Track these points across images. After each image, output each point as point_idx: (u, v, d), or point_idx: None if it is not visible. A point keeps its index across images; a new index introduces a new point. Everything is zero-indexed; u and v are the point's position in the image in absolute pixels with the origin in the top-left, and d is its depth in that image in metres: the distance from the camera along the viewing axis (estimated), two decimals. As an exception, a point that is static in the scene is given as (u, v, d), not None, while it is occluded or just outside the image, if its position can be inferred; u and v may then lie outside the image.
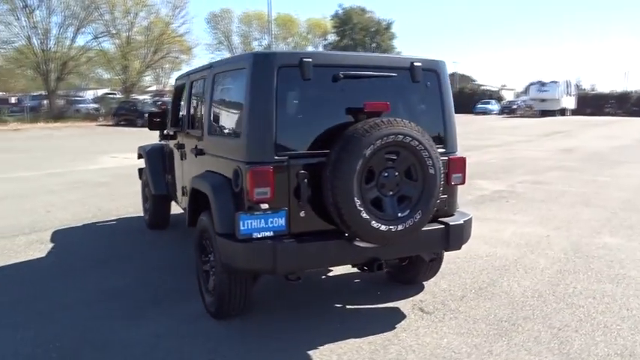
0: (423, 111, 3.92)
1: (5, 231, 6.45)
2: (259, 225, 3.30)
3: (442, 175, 3.54)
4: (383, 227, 3.34)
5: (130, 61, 35.74)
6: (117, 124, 30.31)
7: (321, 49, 58.76)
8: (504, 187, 9.42)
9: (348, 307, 4.15)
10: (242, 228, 3.26)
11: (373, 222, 3.31)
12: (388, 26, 56.14)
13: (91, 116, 32.94)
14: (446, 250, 4.02)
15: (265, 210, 3.31)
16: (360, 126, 3.29)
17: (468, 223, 3.94)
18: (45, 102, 33.41)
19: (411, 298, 4.26)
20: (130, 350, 3.42)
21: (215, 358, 3.32)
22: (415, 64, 3.75)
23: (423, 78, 3.80)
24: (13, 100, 34.76)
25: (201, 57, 56.51)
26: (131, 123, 29.53)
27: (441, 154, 3.76)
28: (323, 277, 4.79)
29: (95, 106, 34.73)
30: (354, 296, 4.36)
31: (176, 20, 36.80)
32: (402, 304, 4.14)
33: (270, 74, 3.36)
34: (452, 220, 3.85)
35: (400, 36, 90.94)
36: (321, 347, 3.45)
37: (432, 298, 4.29)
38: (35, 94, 35.33)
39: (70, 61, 33.38)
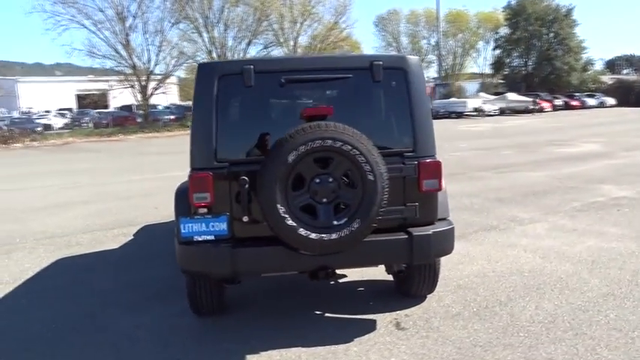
0: (387, 112, 3.67)
1: (109, 224, 7.47)
2: (200, 229, 3.43)
3: (386, 181, 3.25)
4: (313, 235, 3.21)
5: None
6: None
7: (492, 43, 55.83)
8: (630, 194, 8.10)
9: (326, 314, 4.06)
10: (183, 231, 3.42)
11: (301, 230, 3.21)
12: (568, 13, 50.91)
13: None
14: (409, 263, 3.69)
15: (205, 214, 3.43)
16: (288, 132, 3.22)
17: (439, 235, 3.57)
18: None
19: (398, 312, 3.98)
20: (105, 335, 3.82)
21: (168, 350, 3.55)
22: (375, 62, 3.51)
23: (386, 77, 3.55)
24: None
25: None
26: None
27: (410, 158, 3.51)
28: (333, 282, 4.68)
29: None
30: (343, 304, 4.23)
31: (340, 25, 38.10)
32: (383, 317, 3.90)
33: (210, 84, 3.46)
34: (421, 230, 3.53)
35: (582, 22, 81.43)
36: (263, 352, 3.45)
37: (420, 313, 3.97)
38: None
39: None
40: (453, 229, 3.70)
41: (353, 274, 4.67)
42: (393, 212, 3.55)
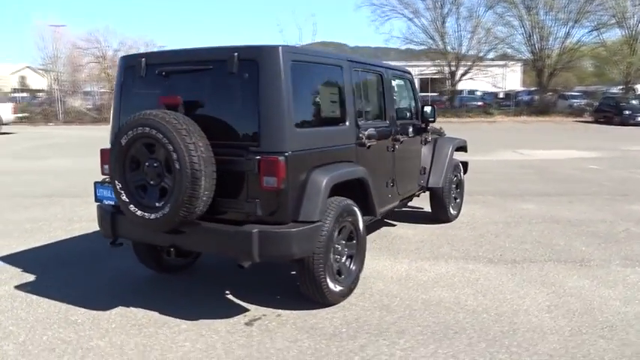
0: (238, 105, 3.60)
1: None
2: (107, 194, 4.14)
3: (201, 172, 3.32)
4: (139, 212, 3.57)
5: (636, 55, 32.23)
6: (596, 121, 28.75)
7: None
8: None
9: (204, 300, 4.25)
10: (97, 195, 4.22)
11: (131, 206, 3.61)
12: None
13: (576, 112, 32.17)
14: (235, 260, 3.55)
15: (109, 183, 4.13)
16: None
17: (266, 235, 3.40)
18: (536, 97, 34.73)
19: (273, 310, 3.90)
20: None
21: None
22: (233, 54, 3.52)
23: (241, 69, 3.51)
24: (501, 94, 37.71)
25: None
26: (609, 120, 27.41)
27: (253, 152, 3.48)
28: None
29: (585, 101, 33.53)
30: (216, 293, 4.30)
31: None
32: (254, 312, 3.91)
33: (120, 73, 4.08)
34: (248, 227, 3.45)
35: None
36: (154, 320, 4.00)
37: (293, 316, 3.80)
38: (533, 89, 37.12)
39: (564, 55, 33.26)
40: (289, 233, 3.44)
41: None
42: (236, 205, 3.57)
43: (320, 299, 3.86)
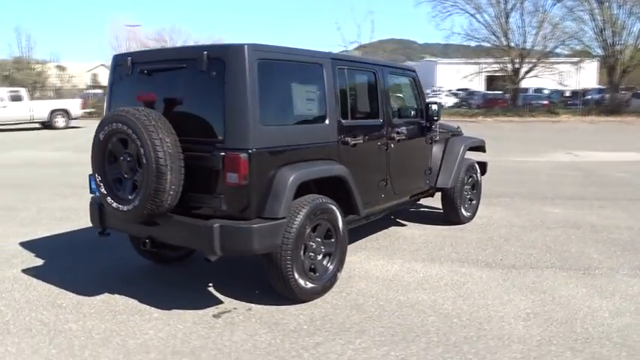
0: (207, 102, 3.67)
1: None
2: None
3: (168, 167, 3.44)
4: (115, 204, 3.75)
5: None
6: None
7: None
8: None
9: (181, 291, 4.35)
10: (91, 186, 4.43)
11: (108, 198, 3.79)
12: None
13: (650, 111, 30.18)
14: (205, 254, 3.62)
15: (96, 175, 4.33)
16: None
17: (228, 230, 3.48)
18: (606, 96, 32.87)
19: (244, 304, 3.97)
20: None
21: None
22: (203, 53, 3.61)
23: (210, 67, 3.59)
24: (567, 93, 35.85)
25: None
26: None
27: (218, 149, 3.57)
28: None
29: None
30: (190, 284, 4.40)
31: None
32: (224, 306, 4.00)
33: (111, 71, 4.28)
34: (211, 222, 3.53)
35: None
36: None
37: (262, 312, 3.85)
38: (603, 87, 35.14)
39: (639, 52, 31.26)
40: (250, 228, 3.50)
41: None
42: (204, 200, 3.67)
43: (289, 295, 3.89)
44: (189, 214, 3.73)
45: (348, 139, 4.32)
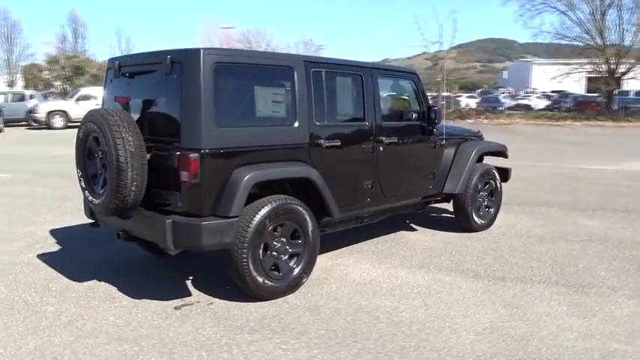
0: (170, 103, 3.86)
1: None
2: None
3: (127, 164, 3.66)
4: (90, 197, 4.06)
5: None
6: None
7: None
8: None
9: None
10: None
11: (86, 191, 4.10)
12: None
13: None
14: (165, 249, 3.80)
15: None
16: None
17: (179, 226, 3.65)
18: None
19: (209, 298, 4.13)
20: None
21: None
22: (167, 57, 3.81)
23: (171, 70, 3.78)
24: None
25: None
26: None
27: (176, 148, 3.77)
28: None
29: None
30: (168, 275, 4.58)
31: None
32: (190, 298, 4.18)
33: (105, 74, 4.61)
34: (167, 218, 3.73)
35: None
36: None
37: (226, 306, 4.00)
38: None
39: None
40: (199, 225, 3.64)
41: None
42: (166, 197, 3.89)
43: (247, 291, 3.99)
44: (157, 210, 3.94)
45: (322, 141, 4.34)
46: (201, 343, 3.40)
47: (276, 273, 4.08)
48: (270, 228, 3.96)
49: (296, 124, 4.20)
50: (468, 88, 58.83)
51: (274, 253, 4.06)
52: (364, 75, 4.79)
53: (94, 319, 3.77)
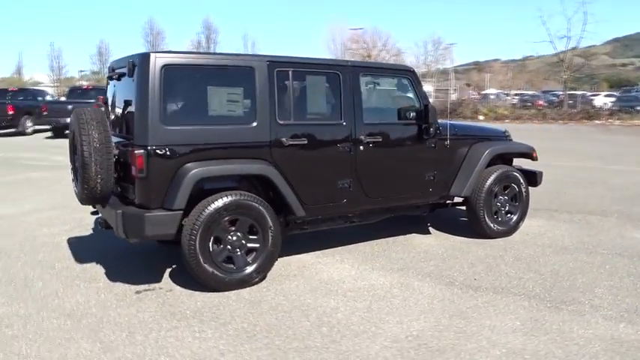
0: (131, 104, 4.16)
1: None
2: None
3: (95, 158, 4.02)
4: (74, 187, 4.55)
5: None
6: None
7: None
8: None
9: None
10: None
11: (73, 182, 4.60)
12: None
13: None
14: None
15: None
16: None
17: (125, 216, 3.97)
18: None
19: (166, 284, 4.41)
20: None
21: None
22: (130, 61, 4.15)
23: (131, 73, 4.11)
24: None
25: None
26: None
27: (126, 144, 4.14)
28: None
29: None
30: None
31: None
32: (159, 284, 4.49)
33: (107, 76, 5.09)
34: (119, 209, 4.08)
35: None
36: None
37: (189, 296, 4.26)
38: None
39: None
40: (141, 216, 3.93)
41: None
42: (127, 189, 4.26)
43: (199, 281, 4.19)
44: (128, 201, 4.31)
45: (284, 139, 4.40)
46: (128, 324, 3.66)
47: (231, 266, 4.23)
48: (225, 222, 4.12)
49: (254, 124, 4.31)
50: (622, 85, 54.02)
51: (228, 247, 4.21)
52: (342, 74, 4.74)
53: (65, 296, 4.22)
